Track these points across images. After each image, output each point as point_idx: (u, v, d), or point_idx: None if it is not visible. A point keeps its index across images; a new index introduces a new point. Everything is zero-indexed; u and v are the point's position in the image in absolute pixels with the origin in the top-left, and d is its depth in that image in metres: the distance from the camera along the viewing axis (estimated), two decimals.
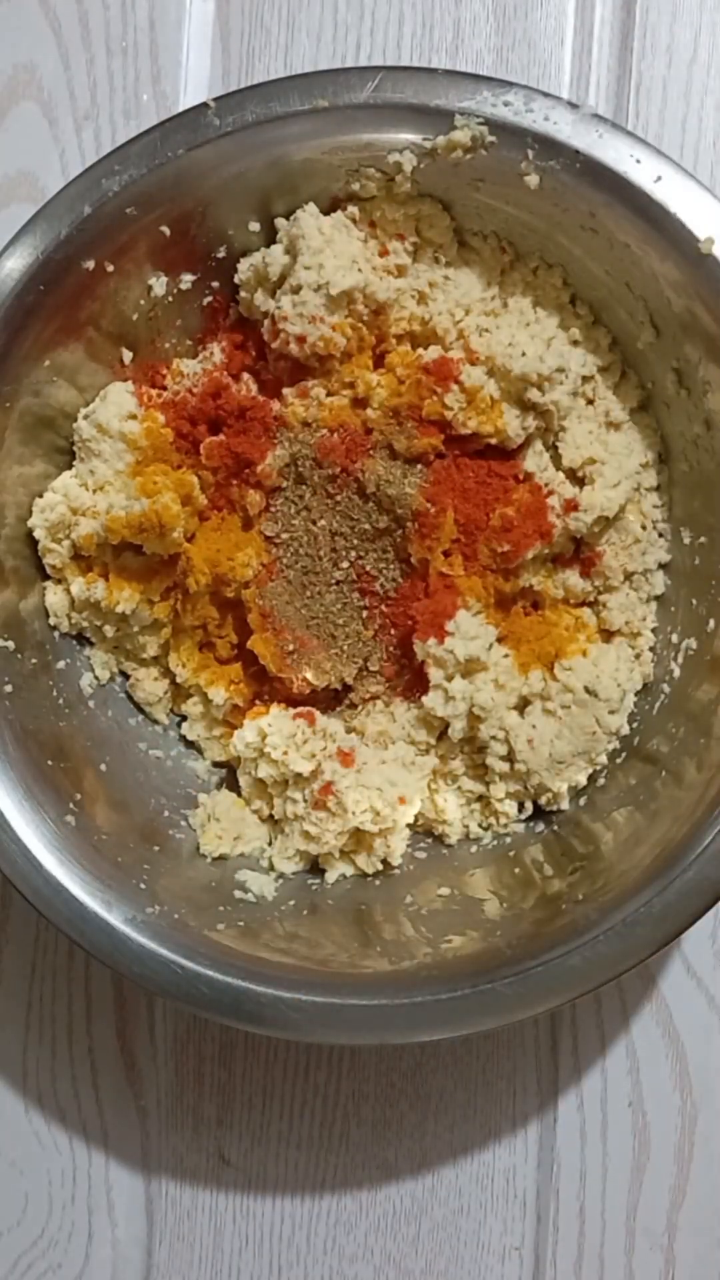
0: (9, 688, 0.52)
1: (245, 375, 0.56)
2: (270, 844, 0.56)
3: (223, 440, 0.55)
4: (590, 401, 0.55)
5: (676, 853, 0.49)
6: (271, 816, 0.56)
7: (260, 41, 0.60)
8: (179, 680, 0.57)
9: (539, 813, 0.56)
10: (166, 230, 0.52)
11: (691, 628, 0.55)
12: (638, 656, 0.56)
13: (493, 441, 0.54)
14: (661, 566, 0.56)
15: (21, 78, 0.61)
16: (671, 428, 0.55)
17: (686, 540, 0.55)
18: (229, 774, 0.58)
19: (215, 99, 0.50)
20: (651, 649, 0.56)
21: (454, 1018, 0.49)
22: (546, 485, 0.55)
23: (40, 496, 0.55)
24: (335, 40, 0.60)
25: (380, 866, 0.55)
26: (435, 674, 0.54)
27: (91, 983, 0.61)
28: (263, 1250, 0.60)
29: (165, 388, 0.56)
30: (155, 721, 0.58)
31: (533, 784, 0.55)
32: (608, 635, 0.56)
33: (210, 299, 0.55)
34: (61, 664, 0.56)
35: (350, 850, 0.55)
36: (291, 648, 0.55)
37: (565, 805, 0.56)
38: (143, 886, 0.51)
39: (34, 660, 0.54)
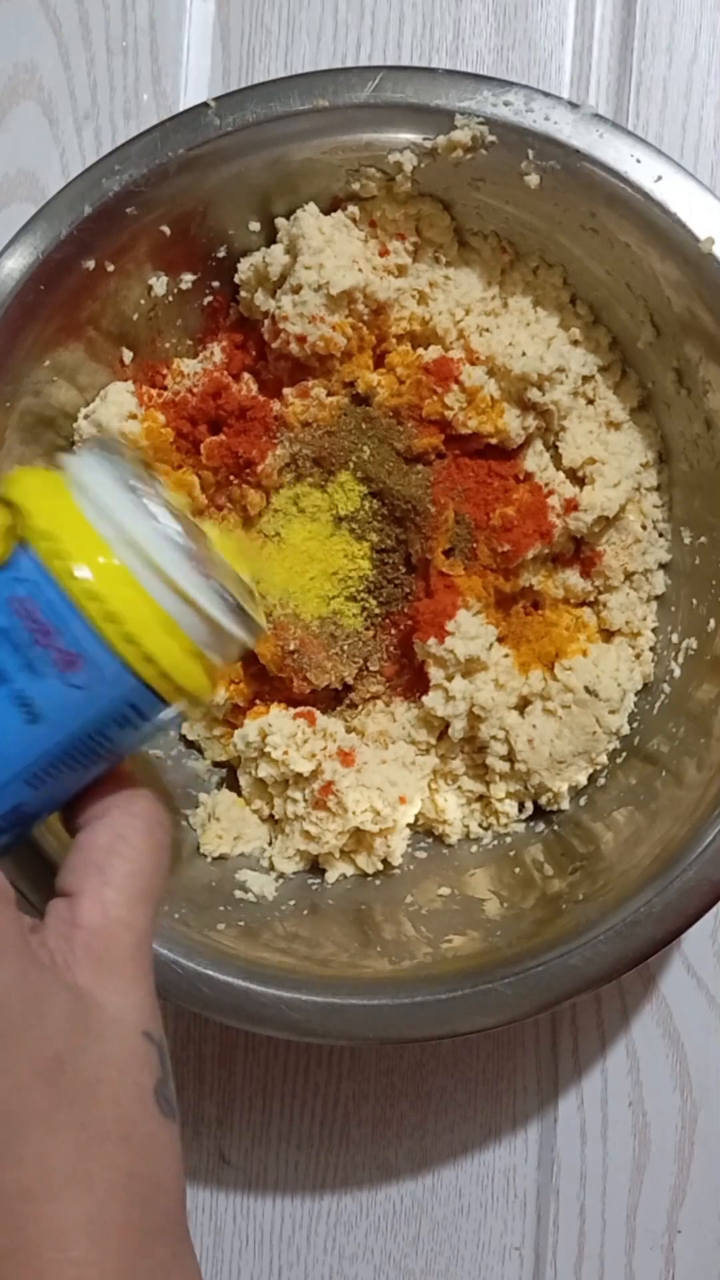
0: None
1: (245, 375, 0.56)
2: (270, 844, 0.56)
3: (223, 440, 0.55)
4: (590, 401, 0.55)
5: (676, 853, 0.49)
6: (272, 816, 0.56)
7: (260, 41, 0.60)
8: None
9: (539, 813, 0.56)
10: (166, 230, 0.52)
11: (692, 628, 0.55)
12: (638, 656, 0.56)
13: (493, 441, 0.54)
14: (662, 566, 0.56)
15: (21, 78, 0.61)
16: (672, 427, 0.55)
17: (687, 540, 0.55)
18: (229, 774, 0.58)
19: (215, 99, 0.50)
20: (652, 649, 0.56)
21: (454, 1018, 0.49)
22: (547, 485, 0.55)
23: None
24: (335, 40, 0.60)
25: (380, 866, 0.55)
26: (435, 674, 0.54)
27: None
28: (263, 1250, 0.60)
29: (165, 387, 0.56)
30: None
31: (533, 784, 0.55)
32: (608, 635, 0.56)
33: (210, 299, 0.55)
34: None
35: (350, 850, 0.55)
36: (292, 648, 0.55)
37: (565, 805, 0.56)
38: None
39: None
